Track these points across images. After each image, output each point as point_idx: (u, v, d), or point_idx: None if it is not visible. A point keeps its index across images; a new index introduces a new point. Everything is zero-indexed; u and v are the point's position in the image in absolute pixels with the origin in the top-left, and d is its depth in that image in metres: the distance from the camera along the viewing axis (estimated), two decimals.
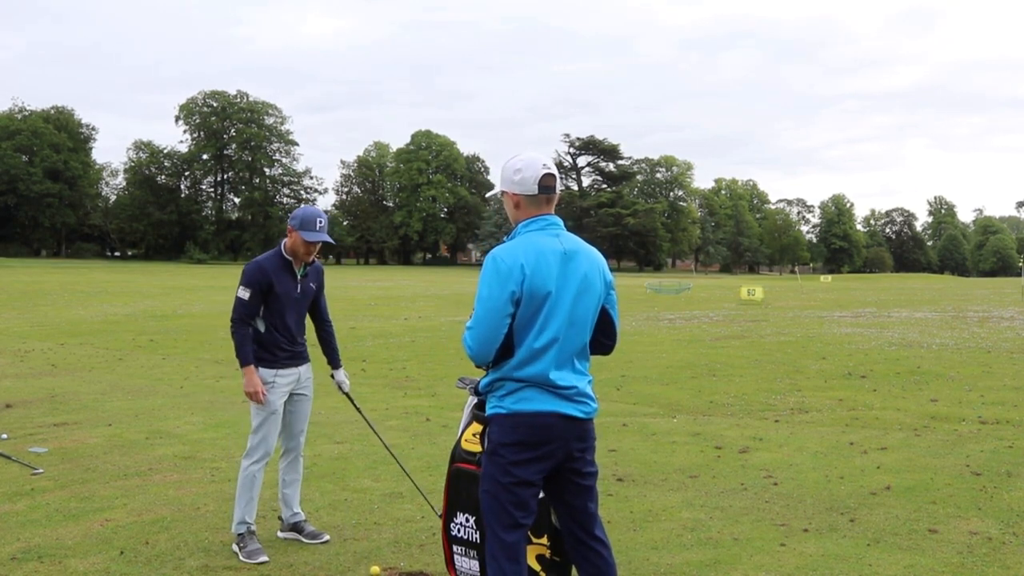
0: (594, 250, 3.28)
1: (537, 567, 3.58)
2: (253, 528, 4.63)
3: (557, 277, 3.09)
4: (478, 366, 3.21)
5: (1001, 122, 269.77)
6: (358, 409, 5.15)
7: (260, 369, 4.65)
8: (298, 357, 4.80)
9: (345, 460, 6.62)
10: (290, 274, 4.69)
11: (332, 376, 5.04)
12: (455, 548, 3.74)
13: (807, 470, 6.26)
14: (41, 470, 6.27)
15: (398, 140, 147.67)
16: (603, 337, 3.34)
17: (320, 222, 4.62)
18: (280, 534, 4.83)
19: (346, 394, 5.06)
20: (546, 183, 3.19)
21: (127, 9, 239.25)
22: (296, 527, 4.81)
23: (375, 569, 4.24)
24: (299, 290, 4.73)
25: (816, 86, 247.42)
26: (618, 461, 6.55)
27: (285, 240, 4.72)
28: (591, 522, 3.27)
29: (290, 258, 4.69)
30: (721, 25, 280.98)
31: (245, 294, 4.60)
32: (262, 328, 4.69)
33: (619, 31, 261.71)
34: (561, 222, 3.25)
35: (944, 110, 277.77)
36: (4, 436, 7.45)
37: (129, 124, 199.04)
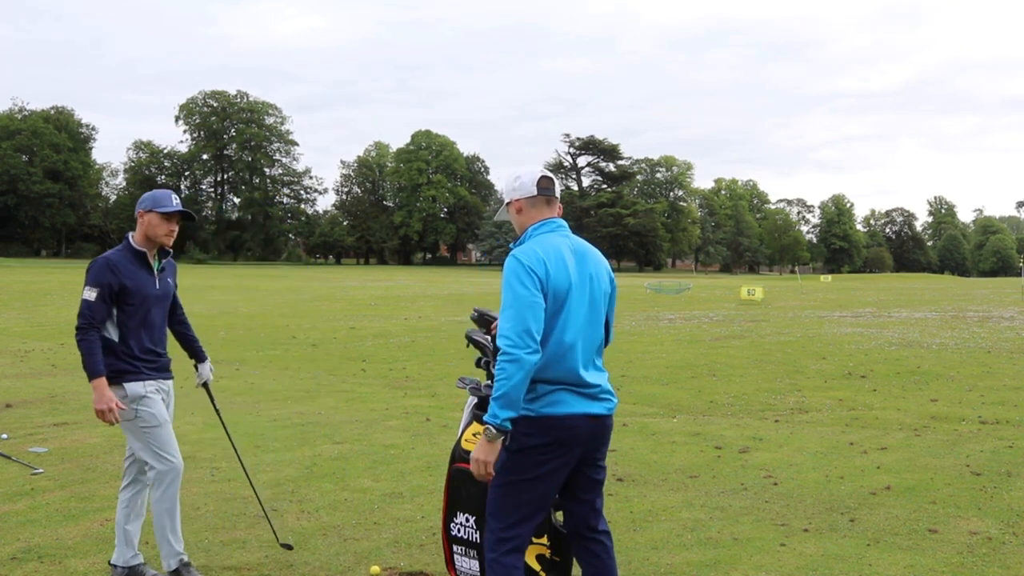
0: (597, 250, 3.36)
1: (537, 567, 3.58)
2: (185, 559, 4.17)
3: (573, 275, 3.15)
4: (519, 359, 2.97)
5: (997, 122, 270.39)
6: (213, 404, 4.79)
7: (130, 383, 4.03)
8: (164, 369, 4.24)
9: (345, 460, 6.62)
10: (145, 268, 4.13)
11: (196, 370, 4.56)
12: (455, 548, 3.75)
13: (807, 470, 6.26)
14: (41, 470, 6.27)
15: (383, 138, 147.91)
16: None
17: (174, 198, 4.15)
18: None
19: (206, 387, 4.59)
20: (543, 184, 3.27)
21: (117, 8, 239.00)
22: (135, 571, 4.14)
23: (375, 569, 4.24)
24: (157, 286, 4.18)
25: (803, 85, 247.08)
26: (618, 461, 6.55)
27: (131, 233, 4.19)
28: (596, 517, 3.34)
29: (143, 249, 4.13)
30: (706, 24, 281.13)
31: (91, 295, 3.96)
32: (115, 336, 4.04)
33: (604, 30, 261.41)
34: (567, 225, 3.32)
35: (938, 110, 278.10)
36: (4, 436, 7.45)
37: (118, 124, 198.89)
